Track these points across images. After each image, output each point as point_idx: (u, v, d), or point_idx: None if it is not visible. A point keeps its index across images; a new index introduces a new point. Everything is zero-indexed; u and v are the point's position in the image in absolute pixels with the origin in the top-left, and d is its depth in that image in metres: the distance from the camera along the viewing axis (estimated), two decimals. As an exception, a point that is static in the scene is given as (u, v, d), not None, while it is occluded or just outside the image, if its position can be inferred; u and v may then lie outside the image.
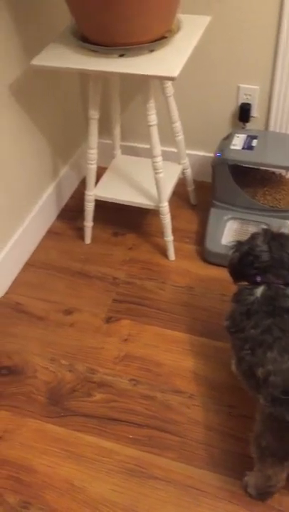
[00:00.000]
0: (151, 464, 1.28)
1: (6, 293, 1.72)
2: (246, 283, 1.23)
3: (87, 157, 1.67)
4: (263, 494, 1.19)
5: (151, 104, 1.49)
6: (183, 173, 1.88)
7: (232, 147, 1.70)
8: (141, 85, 1.47)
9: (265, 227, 1.32)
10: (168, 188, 1.73)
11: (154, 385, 1.43)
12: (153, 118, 1.51)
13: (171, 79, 1.37)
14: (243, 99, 1.82)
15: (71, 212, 2.00)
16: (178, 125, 1.76)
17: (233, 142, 1.72)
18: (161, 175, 1.61)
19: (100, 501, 1.22)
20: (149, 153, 1.59)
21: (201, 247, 1.79)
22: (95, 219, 1.83)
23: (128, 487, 1.24)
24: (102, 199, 1.77)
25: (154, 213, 1.89)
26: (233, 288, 1.25)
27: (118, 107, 1.83)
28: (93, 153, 1.66)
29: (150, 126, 1.52)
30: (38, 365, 1.51)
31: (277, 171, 1.84)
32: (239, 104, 1.83)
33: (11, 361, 1.52)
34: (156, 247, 1.84)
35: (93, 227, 1.85)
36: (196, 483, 1.24)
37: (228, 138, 1.75)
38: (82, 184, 2.02)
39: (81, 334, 1.58)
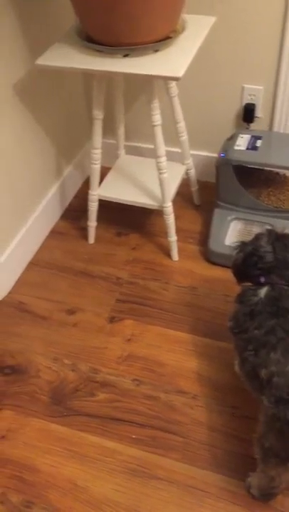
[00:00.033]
0: (154, 464, 1.28)
1: (10, 292, 1.72)
2: (250, 284, 1.23)
3: (91, 157, 1.67)
4: (265, 495, 1.19)
5: (156, 104, 1.49)
6: (187, 173, 1.88)
7: (236, 147, 1.70)
8: (145, 85, 1.47)
9: (269, 227, 1.32)
10: (172, 188, 1.73)
11: (157, 386, 1.43)
12: (157, 118, 1.51)
13: (176, 79, 1.37)
14: (247, 100, 1.82)
15: (75, 212, 2.00)
16: (182, 125, 1.76)
17: (237, 142, 1.72)
18: (165, 175, 1.61)
19: (102, 501, 1.22)
20: (153, 154, 1.59)
21: (205, 248, 1.79)
22: (99, 219, 1.83)
23: (131, 487, 1.24)
24: (105, 199, 1.78)
25: (157, 213, 1.89)
26: (237, 288, 1.25)
27: (122, 107, 1.83)
28: (97, 153, 1.66)
29: (154, 126, 1.52)
30: (41, 364, 1.51)
31: (281, 171, 1.84)
32: (243, 104, 1.83)
33: (15, 360, 1.52)
34: (159, 247, 1.84)
35: (97, 227, 1.85)
36: (199, 484, 1.24)
37: (232, 138, 1.75)
38: (86, 184, 2.02)
39: (84, 334, 1.58)
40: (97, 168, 1.69)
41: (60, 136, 1.90)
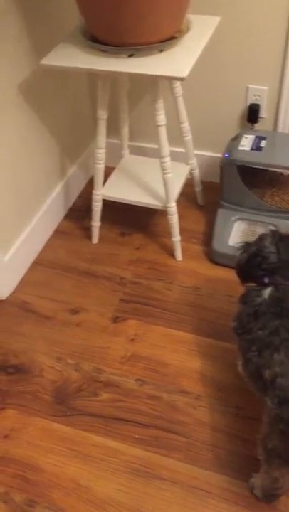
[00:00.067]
0: (157, 464, 1.28)
1: (14, 292, 1.73)
2: (254, 284, 1.22)
3: (95, 157, 1.67)
4: (269, 496, 1.19)
5: (160, 105, 1.49)
6: (191, 173, 1.88)
7: (240, 148, 1.70)
8: (150, 85, 1.47)
9: (273, 228, 1.32)
10: (176, 189, 1.73)
11: (161, 386, 1.43)
12: (162, 118, 1.51)
13: (181, 79, 1.37)
14: (251, 100, 1.82)
15: (79, 212, 2.00)
16: (186, 125, 1.76)
17: (242, 143, 1.72)
18: (169, 175, 1.61)
19: (105, 501, 1.22)
20: (157, 154, 1.59)
21: (208, 248, 1.79)
22: (103, 219, 1.83)
23: (134, 487, 1.24)
24: (109, 199, 1.78)
25: (161, 213, 1.89)
26: (241, 289, 1.25)
27: (126, 107, 1.83)
28: (101, 153, 1.66)
29: (159, 126, 1.52)
30: (45, 364, 1.51)
31: (285, 172, 1.83)
32: (248, 104, 1.83)
33: (18, 360, 1.53)
34: (163, 248, 1.84)
35: (100, 227, 1.86)
36: (202, 484, 1.24)
37: (237, 138, 1.74)
38: (90, 184, 2.02)
39: (88, 334, 1.58)
40: (101, 168, 1.69)
41: (64, 136, 1.90)
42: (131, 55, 1.42)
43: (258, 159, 1.68)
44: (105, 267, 1.79)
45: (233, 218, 1.77)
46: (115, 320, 1.62)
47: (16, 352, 1.55)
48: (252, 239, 1.27)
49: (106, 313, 1.64)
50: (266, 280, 1.19)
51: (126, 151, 1.96)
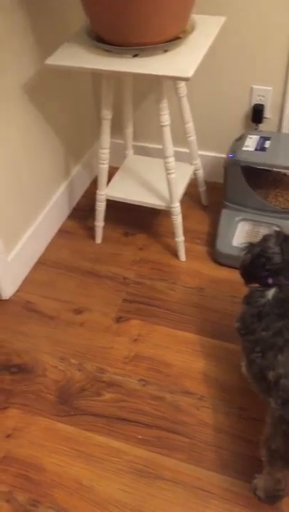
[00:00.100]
0: (160, 464, 1.28)
1: (17, 291, 1.73)
2: (257, 285, 1.22)
3: (99, 157, 1.67)
4: (271, 497, 1.18)
5: (164, 105, 1.49)
6: (195, 173, 1.88)
7: (244, 148, 1.70)
8: (154, 85, 1.47)
9: (277, 229, 1.32)
10: (180, 189, 1.73)
11: (164, 386, 1.43)
12: (166, 118, 1.51)
13: (186, 79, 1.37)
14: (256, 100, 1.82)
15: (82, 212, 2.01)
16: (190, 125, 1.75)
17: (246, 143, 1.71)
18: (173, 175, 1.60)
19: (108, 501, 1.22)
20: (161, 154, 1.59)
21: (212, 248, 1.79)
22: (106, 219, 1.83)
23: (136, 487, 1.24)
24: (113, 199, 1.78)
25: (164, 214, 1.89)
26: (244, 290, 1.25)
27: (130, 107, 1.83)
28: (105, 153, 1.66)
29: (163, 126, 1.52)
30: (48, 363, 1.51)
31: (289, 172, 1.83)
32: (252, 105, 1.83)
33: (21, 359, 1.53)
34: (166, 248, 1.84)
35: (104, 227, 1.86)
36: (205, 485, 1.24)
37: (241, 139, 1.74)
38: (94, 184, 2.02)
39: (91, 333, 1.58)
40: (105, 167, 1.69)
41: (68, 136, 1.90)
42: (135, 55, 1.42)
43: (262, 160, 1.68)
44: (109, 266, 1.79)
45: (237, 219, 1.77)
46: (118, 320, 1.62)
47: (19, 351, 1.55)
48: (256, 240, 1.27)
49: (109, 313, 1.64)
50: (270, 281, 1.19)
51: (130, 151, 1.96)
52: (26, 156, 1.67)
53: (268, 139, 1.72)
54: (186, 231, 1.77)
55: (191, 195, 1.95)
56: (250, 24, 1.66)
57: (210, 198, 1.97)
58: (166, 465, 1.28)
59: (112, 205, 1.81)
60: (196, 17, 1.53)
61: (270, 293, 1.17)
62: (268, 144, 1.71)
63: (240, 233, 1.75)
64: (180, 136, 1.77)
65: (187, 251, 1.79)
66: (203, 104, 1.88)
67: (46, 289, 1.73)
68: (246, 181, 1.71)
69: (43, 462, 1.30)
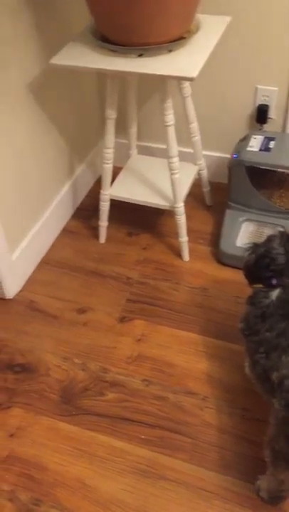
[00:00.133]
0: (163, 465, 1.28)
1: (21, 291, 1.73)
2: (261, 285, 1.22)
3: (104, 156, 1.67)
4: (274, 498, 1.18)
5: (169, 104, 1.49)
6: (199, 174, 1.88)
7: (249, 149, 1.69)
8: (158, 85, 1.47)
9: (281, 229, 1.31)
10: (184, 189, 1.73)
11: (167, 386, 1.43)
12: (170, 118, 1.50)
13: (190, 79, 1.37)
14: (260, 101, 1.81)
15: (86, 212, 2.01)
16: (195, 125, 1.75)
17: (250, 144, 1.71)
18: (177, 175, 1.60)
19: (111, 501, 1.22)
20: (165, 154, 1.59)
21: (216, 249, 1.78)
22: (110, 218, 1.83)
23: (139, 487, 1.24)
24: (117, 199, 1.78)
25: (168, 214, 1.89)
26: (248, 290, 1.25)
27: (135, 107, 1.83)
28: (109, 153, 1.66)
29: (167, 126, 1.52)
30: (51, 363, 1.51)
31: (293, 173, 1.83)
32: (257, 105, 1.82)
33: (25, 359, 1.53)
34: (170, 248, 1.83)
35: (108, 227, 1.86)
36: (208, 486, 1.23)
37: (245, 139, 1.74)
38: (98, 183, 2.02)
39: (94, 333, 1.58)
40: (109, 167, 1.69)
41: (72, 135, 1.90)
42: (140, 55, 1.42)
43: (267, 160, 1.68)
44: (112, 266, 1.79)
45: (241, 219, 1.77)
46: (122, 320, 1.62)
47: (22, 351, 1.55)
48: (260, 240, 1.26)
49: (113, 313, 1.64)
50: (274, 281, 1.18)
51: (134, 151, 1.96)
52: (31, 156, 1.67)
53: (272, 139, 1.72)
54: (190, 231, 1.77)
55: (195, 195, 1.94)
56: (255, 24, 1.66)
57: (214, 199, 1.97)
58: (169, 465, 1.27)
59: (116, 205, 1.81)
60: (200, 17, 1.52)
61: (274, 294, 1.16)
62: (272, 144, 1.70)
63: (244, 234, 1.75)
64: (184, 136, 1.77)
65: (191, 251, 1.79)
66: (207, 104, 1.88)
67: (50, 289, 1.73)
68: (250, 182, 1.71)
69: (46, 461, 1.30)
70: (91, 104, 2.00)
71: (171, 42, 1.41)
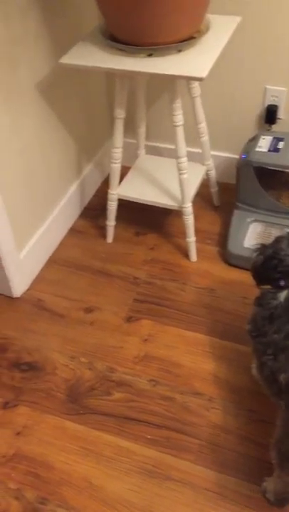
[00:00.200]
0: (169, 465, 1.28)
1: (28, 289, 1.73)
2: (269, 287, 1.21)
3: (112, 156, 1.67)
4: (281, 500, 1.18)
5: (178, 105, 1.48)
6: (207, 174, 1.87)
7: (258, 149, 1.69)
8: (167, 85, 1.47)
9: (290, 230, 1.31)
10: (192, 189, 1.72)
11: (174, 387, 1.43)
12: (179, 118, 1.50)
13: (200, 79, 1.36)
14: (269, 101, 1.81)
15: (94, 211, 2.01)
16: (203, 126, 1.75)
17: (259, 144, 1.71)
18: (185, 175, 1.60)
19: (117, 500, 1.22)
20: (173, 154, 1.59)
21: (223, 249, 1.78)
22: (118, 218, 1.83)
23: (145, 487, 1.24)
24: (125, 198, 1.78)
25: (176, 214, 1.89)
26: (256, 291, 1.24)
27: (143, 107, 1.83)
28: (118, 153, 1.66)
29: (176, 126, 1.52)
30: (58, 362, 1.52)
31: (302, 173, 1.82)
32: (266, 105, 1.82)
33: (31, 357, 1.53)
34: (177, 248, 1.83)
35: (115, 226, 1.86)
36: (214, 487, 1.23)
37: (254, 140, 1.73)
38: (106, 183, 2.03)
39: (101, 333, 1.59)
40: (117, 167, 1.69)
41: (81, 135, 1.91)
42: (150, 55, 1.42)
43: (276, 161, 1.67)
44: (120, 266, 1.79)
45: (248, 220, 1.76)
46: (129, 319, 1.62)
47: (29, 349, 1.55)
48: (268, 241, 1.26)
49: (120, 312, 1.64)
50: (282, 283, 1.18)
51: (142, 151, 1.96)
52: (39, 154, 1.68)
53: (281, 139, 1.71)
54: (198, 231, 1.77)
55: (202, 195, 1.94)
56: (264, 24, 1.65)
57: (222, 199, 1.96)
58: (175, 466, 1.27)
59: (124, 205, 1.81)
60: (210, 17, 1.52)
61: (282, 295, 1.16)
62: (281, 144, 1.70)
63: (251, 234, 1.74)
64: (192, 137, 1.77)
65: (198, 251, 1.78)
66: (216, 104, 1.87)
67: (57, 288, 1.73)
68: (259, 182, 1.71)
69: (52, 460, 1.30)
70: (100, 103, 2.01)
71: (180, 42, 1.41)
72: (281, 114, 1.82)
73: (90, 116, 1.95)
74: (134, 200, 1.77)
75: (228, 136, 1.94)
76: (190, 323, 1.59)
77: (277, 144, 1.70)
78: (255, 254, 1.24)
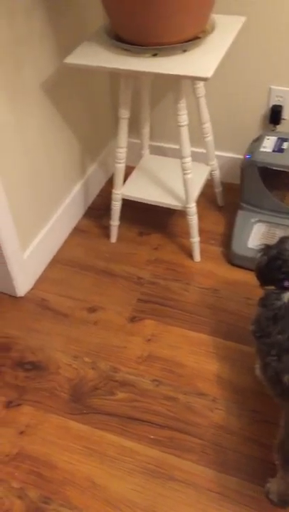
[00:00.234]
0: (172, 465, 1.28)
1: (32, 289, 1.74)
2: (273, 287, 1.21)
3: (116, 156, 1.67)
4: (284, 501, 1.18)
5: (183, 105, 1.48)
6: (211, 174, 1.87)
7: (262, 149, 1.69)
8: (172, 85, 1.47)
9: (294, 231, 1.30)
10: (196, 189, 1.72)
11: (177, 387, 1.43)
12: (184, 118, 1.50)
13: (205, 79, 1.36)
14: (274, 101, 1.80)
15: (98, 211, 2.01)
16: (208, 126, 1.75)
17: (263, 144, 1.70)
18: (189, 176, 1.60)
19: (120, 500, 1.22)
20: (177, 154, 1.59)
21: (227, 250, 1.78)
22: (121, 218, 1.83)
23: (148, 487, 1.24)
24: (129, 198, 1.78)
25: (180, 214, 1.89)
26: (259, 292, 1.24)
27: (148, 107, 1.83)
28: (122, 152, 1.66)
29: (180, 126, 1.52)
30: (62, 361, 1.52)
31: (306, 174, 1.81)
32: (270, 106, 1.81)
33: (35, 357, 1.54)
34: (181, 248, 1.83)
35: (119, 226, 1.86)
36: (217, 487, 1.23)
37: (259, 140, 1.73)
38: (110, 183, 2.03)
39: (105, 332, 1.59)
40: (121, 167, 1.69)
41: (85, 134, 1.91)
42: (154, 55, 1.42)
43: (280, 161, 1.67)
44: (123, 266, 1.79)
45: (252, 220, 1.76)
46: (132, 319, 1.62)
47: (33, 349, 1.56)
48: (272, 241, 1.26)
49: (123, 312, 1.64)
50: (286, 284, 1.17)
51: (146, 151, 1.96)
52: (43, 154, 1.68)
53: (285, 140, 1.71)
54: (202, 232, 1.76)
55: (206, 195, 1.94)
56: (269, 24, 1.65)
57: (226, 199, 1.96)
58: (178, 466, 1.27)
59: (127, 205, 1.81)
60: (216, 17, 1.52)
61: (287, 296, 1.16)
62: (285, 145, 1.69)
63: (255, 235, 1.74)
64: (197, 137, 1.76)
65: (202, 252, 1.78)
66: (220, 104, 1.87)
67: (61, 287, 1.73)
68: (263, 182, 1.70)
69: (56, 460, 1.30)
70: (104, 103, 2.01)
71: (185, 42, 1.41)
72: (286, 114, 1.82)
73: (94, 116, 1.95)
74: (138, 200, 1.77)
75: (232, 136, 1.94)
76: (193, 323, 1.59)
77: (281, 144, 1.70)
78: (259, 255, 1.24)
